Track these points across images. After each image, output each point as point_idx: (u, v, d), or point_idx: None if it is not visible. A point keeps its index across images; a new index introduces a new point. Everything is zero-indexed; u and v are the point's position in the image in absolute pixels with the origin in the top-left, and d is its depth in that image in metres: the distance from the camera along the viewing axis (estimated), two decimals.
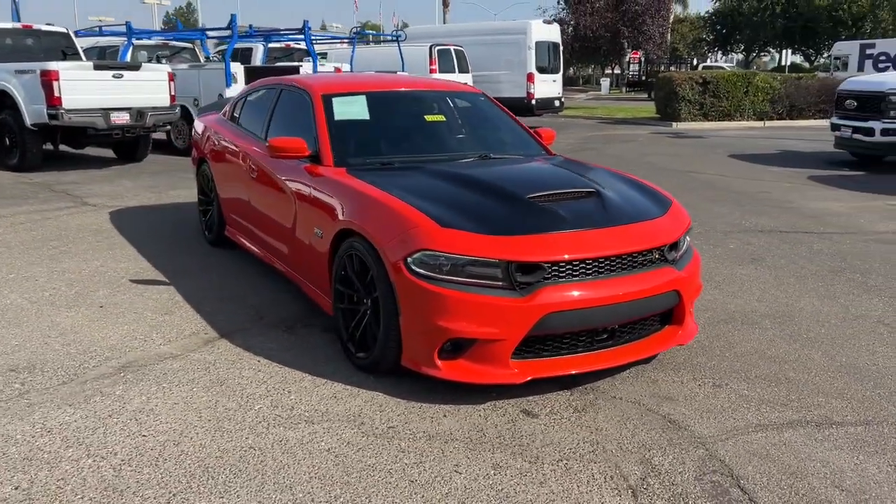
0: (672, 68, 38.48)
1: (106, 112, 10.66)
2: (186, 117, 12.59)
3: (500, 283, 3.40)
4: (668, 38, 31.24)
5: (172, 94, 11.60)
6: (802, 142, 16.25)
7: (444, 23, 54.83)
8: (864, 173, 11.45)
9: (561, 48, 21.30)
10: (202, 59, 15.48)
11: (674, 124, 20.81)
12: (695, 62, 43.00)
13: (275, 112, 5.35)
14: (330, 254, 4.14)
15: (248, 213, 5.49)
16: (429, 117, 5.10)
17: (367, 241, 3.72)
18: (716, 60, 54.14)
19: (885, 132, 11.33)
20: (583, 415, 3.46)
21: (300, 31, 13.72)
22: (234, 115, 6.10)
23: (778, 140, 16.59)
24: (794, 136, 17.44)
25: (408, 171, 4.32)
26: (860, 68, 34.95)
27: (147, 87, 11.22)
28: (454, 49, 18.25)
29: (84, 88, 10.49)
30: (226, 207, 6.01)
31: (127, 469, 2.95)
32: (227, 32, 13.10)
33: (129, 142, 11.83)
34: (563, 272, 3.47)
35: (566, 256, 3.46)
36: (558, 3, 31.17)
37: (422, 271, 3.45)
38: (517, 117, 5.54)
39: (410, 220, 3.57)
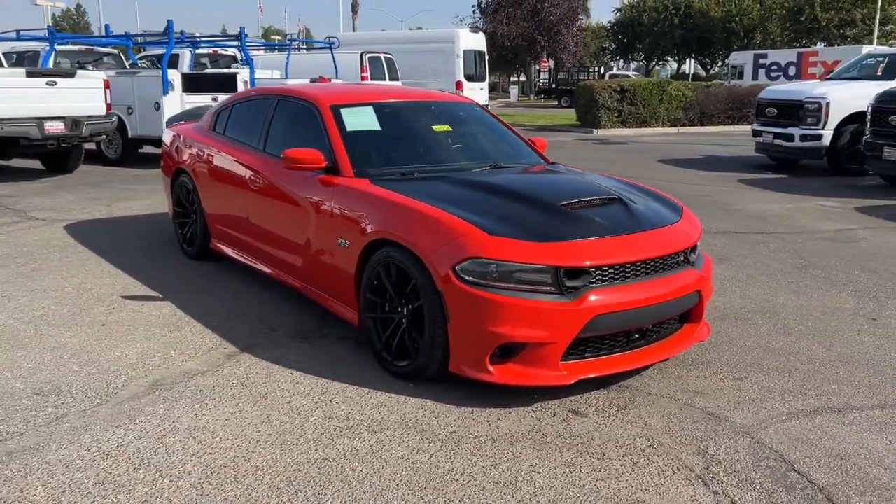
0: (581, 76, 39.78)
1: (40, 121, 10.18)
2: (120, 127, 12.14)
3: (549, 289, 3.53)
4: (581, 46, 32.27)
5: (108, 102, 11.18)
6: (720, 147, 17.14)
7: (354, 30, 54.53)
8: (785, 176, 12.23)
9: (486, 57, 21.69)
10: (127, 66, 14.94)
11: (595, 131, 21.55)
12: (601, 70, 44.52)
13: (272, 123, 5.31)
14: (358, 264, 4.17)
15: (243, 225, 5.42)
16: (436, 127, 5.18)
17: (409, 250, 3.78)
18: (619, 69, 56.12)
19: (803, 138, 12.16)
20: (627, 412, 3.63)
21: (236, 37, 13.47)
22: (219, 125, 6.00)
23: (697, 146, 17.44)
24: (709, 142, 18.37)
25: (431, 181, 4.39)
26: (755, 77, 37.15)
27: (82, 95, 10.77)
28: (384, 57, 18.31)
29: (16, 96, 9.99)
30: (213, 220, 5.89)
31: (209, 487, 2.91)
32: (160, 38, 12.69)
33: (61, 153, 11.31)
34: (605, 276, 3.64)
35: (610, 261, 3.63)
36: (474, 12, 31.66)
37: (471, 279, 3.55)
38: (513, 127, 5.70)
39: (457, 230, 3.66)
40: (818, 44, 39.77)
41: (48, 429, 3.37)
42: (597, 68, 41.70)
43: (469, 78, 20.15)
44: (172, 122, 7.09)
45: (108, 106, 11.18)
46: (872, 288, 5.70)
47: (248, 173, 5.26)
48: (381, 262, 3.98)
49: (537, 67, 40.52)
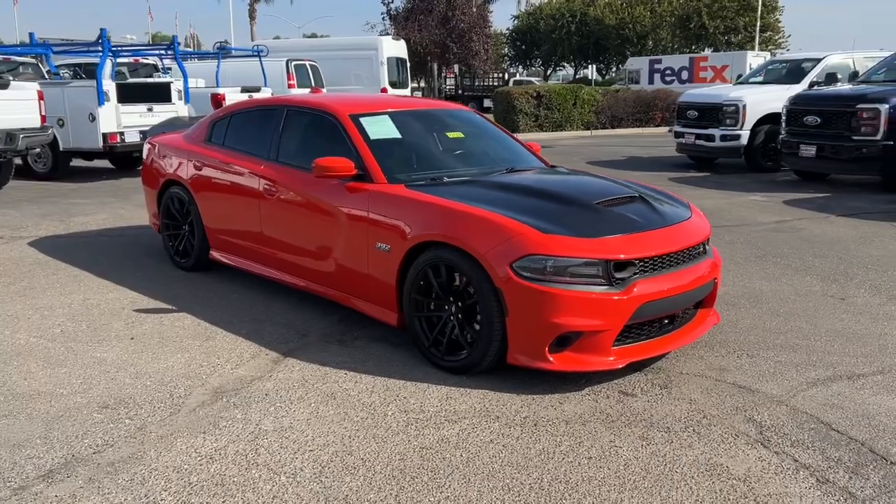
0: (486, 83, 40.72)
1: None
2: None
3: (601, 280, 3.85)
4: (492, 53, 33.04)
5: (43, 114, 10.77)
6: (637, 148, 18.05)
7: (252, 37, 53.60)
8: (708, 174, 13.10)
9: (408, 63, 21.97)
10: (47, 75, 14.33)
11: (515, 135, 22.16)
12: (506, 77, 45.56)
13: (283, 133, 5.40)
14: (401, 267, 4.36)
15: (253, 234, 5.48)
16: (450, 134, 5.42)
17: (461, 250, 4.01)
18: (520, 75, 57.54)
19: (723, 138, 13.07)
20: (670, 390, 3.99)
21: (169, 46, 13.18)
22: (216, 136, 6.02)
23: (616, 147, 18.30)
24: (625, 144, 19.30)
25: (462, 185, 4.63)
26: (650, 81, 38.96)
27: (15, 108, 10.34)
28: (309, 64, 18.27)
29: None
30: (214, 231, 5.91)
31: (328, 480, 3.06)
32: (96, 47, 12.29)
33: None
34: (647, 267, 4.00)
35: (650, 253, 3.99)
36: (383, 19, 31.88)
37: (528, 275, 3.82)
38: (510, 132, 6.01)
39: (512, 229, 3.93)
40: (705, 49, 42.23)
41: (136, 439, 3.41)
42: (501, 75, 42.62)
43: (393, 84, 20.38)
44: (153, 133, 7.01)
45: (43, 118, 10.76)
46: (830, 271, 6.34)
47: (261, 183, 5.33)
48: (430, 263, 4.19)
49: (444, 74, 41.10)
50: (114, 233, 7.98)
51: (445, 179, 4.76)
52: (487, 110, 39.84)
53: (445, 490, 3.00)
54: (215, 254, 6.00)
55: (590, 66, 57.17)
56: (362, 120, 5.06)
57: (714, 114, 13.22)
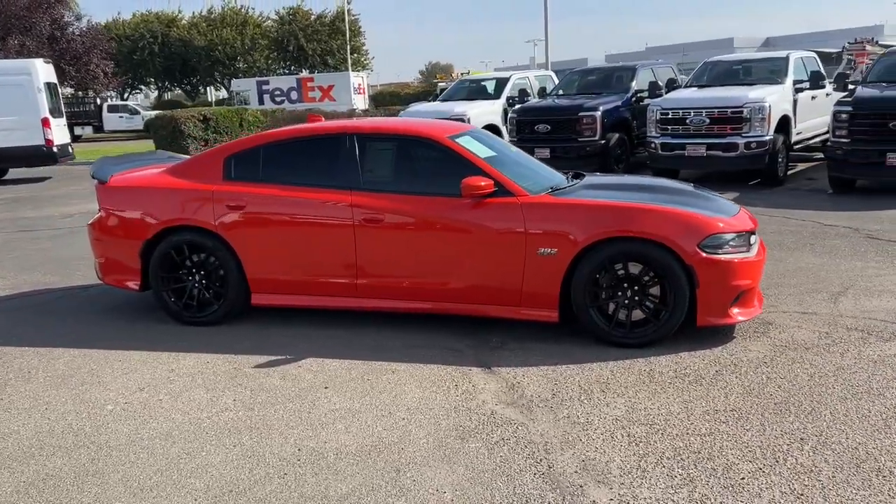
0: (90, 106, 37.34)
1: None
2: None
3: (745, 248, 5.02)
4: (112, 75, 30.24)
5: None
6: None
7: None
8: None
9: (59, 89, 19.34)
10: None
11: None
12: (97, 101, 41.81)
13: (363, 161, 5.35)
14: (570, 266, 4.94)
15: (341, 268, 5.31)
16: (512, 148, 5.96)
17: (646, 240, 4.81)
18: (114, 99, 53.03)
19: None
20: (782, 333, 5.33)
21: None
22: (241, 171, 5.54)
23: None
24: None
25: (589, 189, 5.36)
26: (260, 102, 39.81)
27: None
28: None
29: None
30: (263, 273, 5.47)
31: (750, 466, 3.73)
32: None
33: None
34: (755, 237, 5.29)
35: (755, 226, 5.29)
36: None
37: (709, 251, 4.82)
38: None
39: (689, 216, 4.87)
40: (303, 71, 44.57)
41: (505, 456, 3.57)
42: (97, 97, 39.17)
43: (52, 113, 17.85)
44: (107, 171, 5.88)
45: None
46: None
47: (355, 213, 5.22)
48: (609, 256, 4.88)
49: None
50: (72, 293, 6.40)
51: (565, 187, 5.40)
52: (78, 138, 36.35)
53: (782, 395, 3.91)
54: (261, 298, 5.54)
55: (209, 88, 55.21)
56: (459, 141, 5.37)
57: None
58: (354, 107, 35.06)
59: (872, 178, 10.72)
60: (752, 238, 5.10)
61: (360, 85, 40.05)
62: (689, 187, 5.82)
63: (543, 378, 4.48)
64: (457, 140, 5.39)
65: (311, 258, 5.41)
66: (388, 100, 39.74)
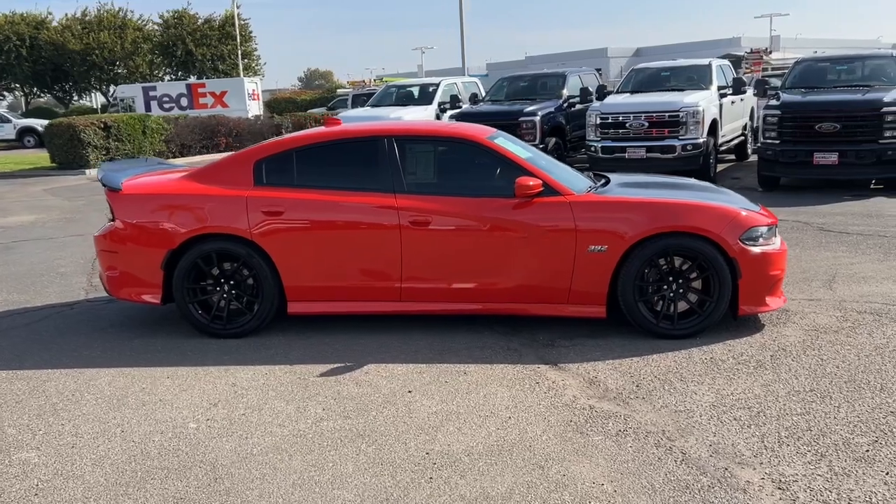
0: None
1: None
2: None
3: (773, 239, 5.34)
4: None
5: None
6: None
7: None
8: None
9: None
10: None
11: (87, 171, 20.04)
12: None
13: (404, 163, 5.30)
14: (619, 262, 5.10)
15: (385, 272, 5.24)
16: (537, 150, 6.05)
17: (693, 234, 5.04)
18: None
19: None
20: (804, 319, 5.70)
21: None
22: (273, 176, 5.35)
23: None
24: None
25: (628, 187, 5.55)
26: (147, 108, 38.03)
27: None
28: None
29: None
30: (303, 280, 5.30)
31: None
32: None
33: None
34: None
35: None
36: None
37: (749, 243, 5.12)
38: None
39: (729, 211, 5.15)
40: (191, 76, 42.81)
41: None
42: None
43: None
44: (119, 176, 5.49)
45: None
46: None
47: (401, 217, 5.16)
48: (659, 252, 5.08)
49: None
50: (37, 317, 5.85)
51: (600, 185, 5.55)
52: None
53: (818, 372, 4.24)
54: (298, 307, 5.37)
55: (97, 95, 51.67)
56: (497, 142, 5.42)
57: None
58: (249, 113, 34.06)
59: (801, 176, 11.57)
60: (777, 231, 5.44)
61: (254, 91, 39.00)
62: (709, 185, 6.13)
63: (615, 372, 4.60)
64: (495, 141, 5.44)
65: (353, 263, 5.30)
66: (284, 106, 38.97)
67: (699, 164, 12.09)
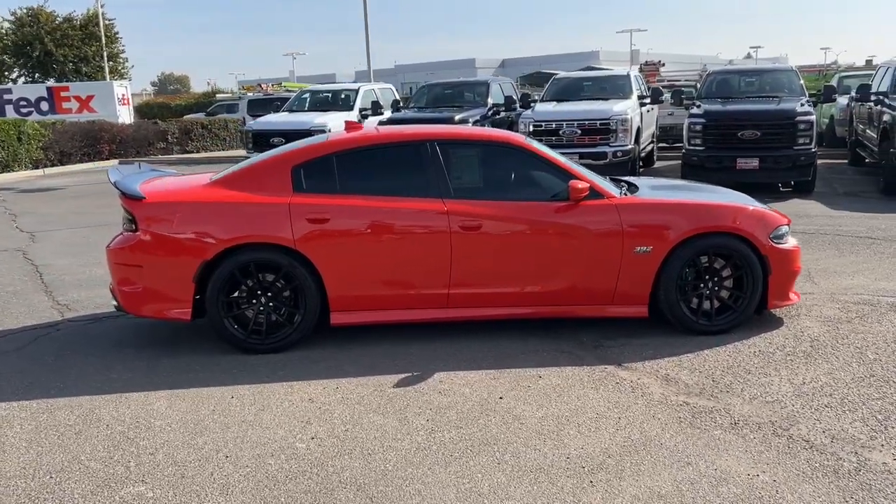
0: None
1: None
2: None
3: (789, 237, 5.70)
4: None
5: None
6: None
7: None
8: None
9: None
10: None
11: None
12: None
13: (449, 167, 5.22)
14: (661, 264, 5.28)
15: (436, 279, 5.14)
16: None
17: (730, 234, 5.29)
18: None
19: None
20: (811, 312, 6.10)
21: None
22: (312, 183, 5.11)
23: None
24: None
25: (660, 189, 5.74)
26: (2, 113, 35.05)
27: None
28: None
29: None
30: (349, 289, 5.10)
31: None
32: None
33: None
34: None
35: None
36: None
37: (776, 241, 5.44)
38: None
39: (760, 211, 5.45)
40: (50, 79, 39.70)
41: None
42: None
43: None
44: (133, 181, 5.02)
45: None
46: None
47: (452, 222, 5.07)
48: (699, 251, 5.29)
49: None
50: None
51: (634, 189, 5.70)
52: None
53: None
54: (342, 317, 5.15)
55: None
56: (538, 146, 5.46)
57: (303, 137, 14.31)
58: (119, 119, 32.05)
59: (726, 180, 12.35)
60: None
61: (124, 95, 36.79)
62: (718, 187, 6.43)
63: (681, 368, 4.74)
64: (535, 144, 5.47)
65: (401, 271, 5.15)
66: (157, 112, 37.01)
67: (628, 169, 12.64)
